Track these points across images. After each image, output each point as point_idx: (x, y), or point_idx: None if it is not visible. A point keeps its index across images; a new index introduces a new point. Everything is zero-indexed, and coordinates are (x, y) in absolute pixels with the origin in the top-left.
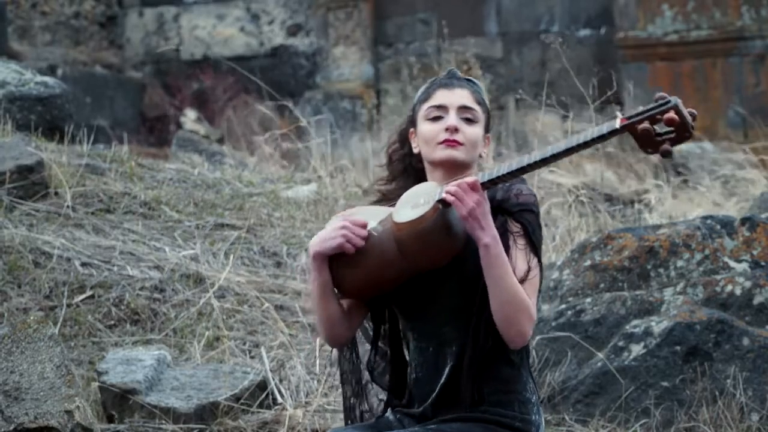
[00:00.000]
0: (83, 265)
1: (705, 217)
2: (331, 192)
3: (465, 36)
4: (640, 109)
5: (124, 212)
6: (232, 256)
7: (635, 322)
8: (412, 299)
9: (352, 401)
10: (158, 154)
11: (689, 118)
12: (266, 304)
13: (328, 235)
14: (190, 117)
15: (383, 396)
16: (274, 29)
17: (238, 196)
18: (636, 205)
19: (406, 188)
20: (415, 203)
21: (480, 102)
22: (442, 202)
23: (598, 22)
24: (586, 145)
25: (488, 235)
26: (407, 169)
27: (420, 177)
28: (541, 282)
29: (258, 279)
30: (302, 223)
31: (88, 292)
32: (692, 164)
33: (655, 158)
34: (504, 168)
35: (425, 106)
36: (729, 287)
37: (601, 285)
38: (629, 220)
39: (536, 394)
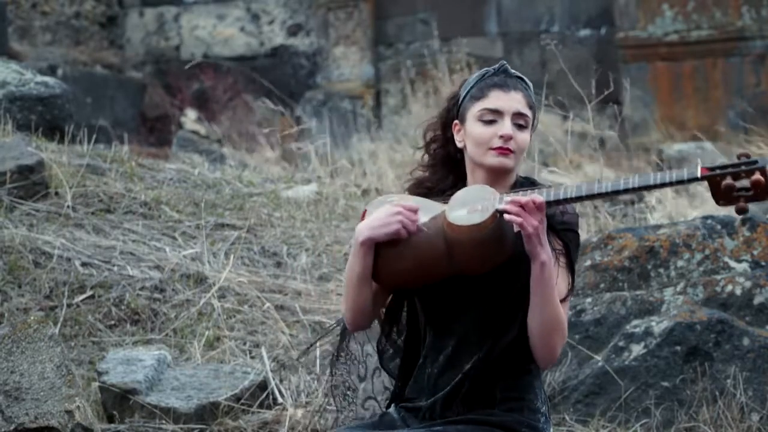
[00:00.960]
0: (83, 265)
1: (705, 217)
2: (331, 192)
3: (465, 36)
4: (723, 162)
5: (125, 212)
6: (232, 256)
7: (635, 322)
8: (441, 300)
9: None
10: (159, 154)
11: None
12: (267, 304)
13: (381, 221)
14: (190, 117)
15: (380, 397)
16: (274, 29)
17: (238, 196)
18: (636, 205)
19: (448, 180)
20: (472, 207)
21: (531, 105)
22: (501, 212)
23: (598, 22)
24: (662, 185)
25: (546, 253)
26: (445, 157)
27: (458, 168)
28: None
29: (258, 279)
30: (302, 223)
31: (89, 292)
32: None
33: (655, 158)
34: (571, 191)
35: (479, 105)
36: (729, 287)
37: (602, 285)
38: (630, 220)
39: (546, 404)
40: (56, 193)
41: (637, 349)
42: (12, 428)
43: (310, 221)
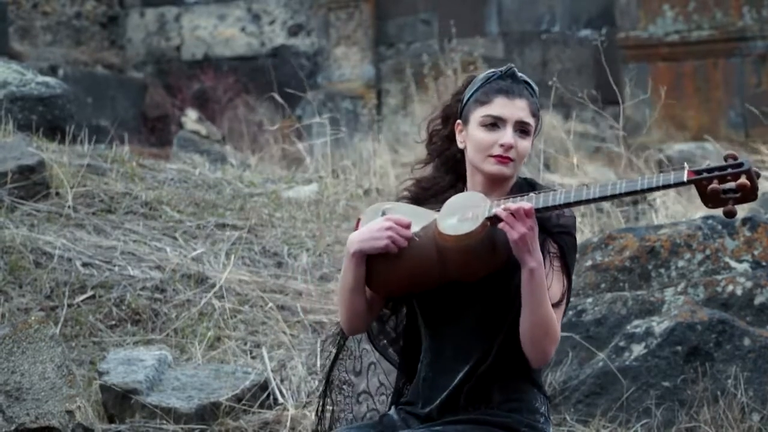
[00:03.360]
0: (84, 265)
1: (706, 217)
2: (332, 192)
3: (466, 36)
4: (710, 165)
5: (125, 212)
6: (233, 256)
7: (636, 322)
8: (438, 304)
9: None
10: (159, 155)
11: (757, 183)
12: (267, 305)
13: (372, 234)
14: (191, 117)
15: (375, 392)
16: (275, 29)
17: (239, 197)
18: (637, 206)
19: (445, 180)
20: (462, 215)
21: (535, 113)
22: (491, 220)
23: (599, 23)
24: (649, 190)
25: (535, 260)
26: (446, 154)
27: (458, 167)
28: (567, 304)
29: (259, 279)
30: (303, 223)
31: (89, 292)
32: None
33: (655, 157)
34: (560, 197)
35: (482, 110)
36: (730, 287)
37: (602, 285)
38: (631, 221)
39: (546, 405)
40: (57, 194)
41: (637, 349)
42: (13, 428)
43: (311, 221)
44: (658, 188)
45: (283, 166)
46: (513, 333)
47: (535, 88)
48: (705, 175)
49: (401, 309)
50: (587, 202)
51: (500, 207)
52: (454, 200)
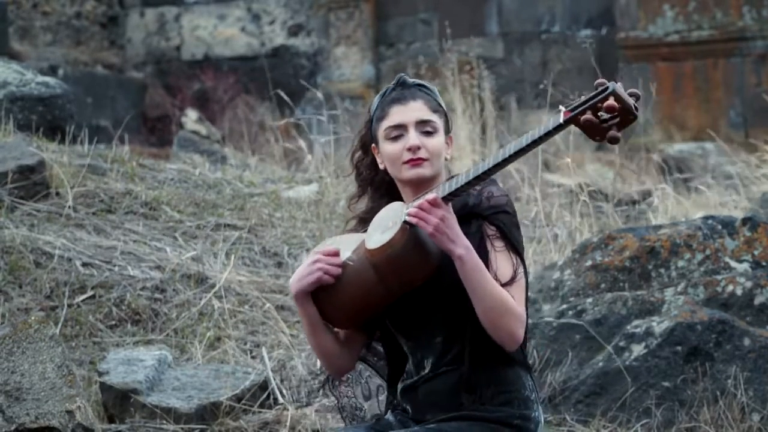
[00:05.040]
0: (84, 265)
1: (706, 217)
2: (332, 192)
3: (466, 36)
4: (581, 99)
5: (125, 212)
6: (233, 257)
7: (636, 322)
8: (402, 316)
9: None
10: (159, 155)
11: (630, 101)
12: (267, 305)
13: (303, 272)
14: (191, 117)
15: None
16: (275, 29)
17: (239, 197)
18: (638, 206)
19: (378, 204)
20: (384, 227)
21: (436, 109)
22: (409, 222)
23: (599, 23)
24: (534, 143)
25: (460, 246)
26: (375, 180)
27: (391, 189)
28: (527, 280)
29: (259, 279)
30: (303, 223)
31: (89, 293)
32: (694, 164)
33: (656, 158)
34: (462, 178)
35: (383, 125)
36: (730, 287)
37: (602, 285)
38: (631, 221)
39: (536, 391)
40: (57, 194)
41: (637, 349)
42: (13, 428)
43: (311, 221)
44: (541, 138)
45: (283, 166)
46: (479, 323)
47: (432, 88)
48: (579, 110)
49: (375, 335)
50: (486, 174)
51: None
52: (377, 218)
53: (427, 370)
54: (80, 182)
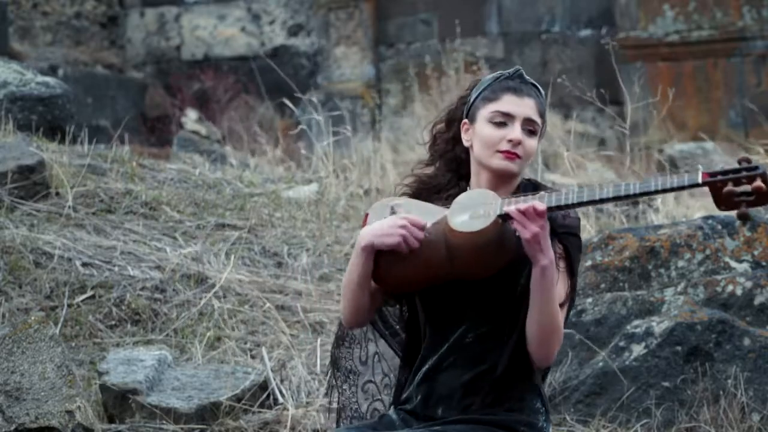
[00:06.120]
0: (84, 265)
1: (706, 217)
2: (332, 192)
3: (466, 36)
4: (724, 167)
5: (125, 212)
6: (233, 257)
7: (636, 322)
8: (442, 300)
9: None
10: (159, 155)
11: None
12: (267, 304)
13: (385, 230)
14: (191, 117)
15: (379, 381)
16: (275, 29)
17: (239, 197)
18: (638, 206)
19: (445, 178)
20: (473, 212)
21: (542, 113)
22: (502, 217)
23: (599, 22)
24: (663, 191)
25: (547, 258)
26: (449, 155)
27: (461, 168)
28: (571, 306)
29: (259, 279)
30: (303, 223)
31: (89, 293)
32: (694, 164)
33: (656, 158)
34: (572, 197)
35: (490, 107)
36: (730, 287)
37: (602, 285)
38: (631, 220)
39: (546, 405)
40: (57, 194)
41: (637, 349)
42: (12, 428)
43: (311, 221)
44: (672, 189)
45: (283, 166)
46: (518, 334)
47: (542, 90)
48: (720, 177)
49: (403, 302)
50: (600, 201)
51: (512, 205)
52: (465, 197)
53: (443, 366)
54: (80, 182)
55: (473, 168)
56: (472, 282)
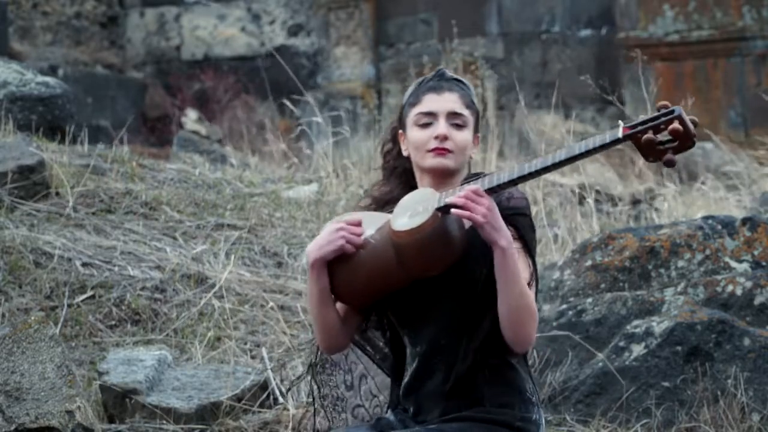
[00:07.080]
0: (84, 265)
1: (706, 217)
2: (332, 192)
3: (466, 36)
4: (643, 118)
5: (125, 212)
6: (233, 256)
7: (636, 322)
8: (408, 306)
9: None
10: (159, 155)
11: (692, 128)
12: (267, 304)
13: (326, 239)
14: (191, 117)
15: (368, 403)
16: (275, 29)
17: (239, 197)
18: (638, 206)
19: (397, 190)
20: (413, 211)
21: (469, 105)
22: (442, 210)
23: (599, 22)
24: (587, 153)
25: (504, 238)
26: (399, 169)
27: (410, 178)
28: (537, 284)
29: (259, 279)
30: (303, 223)
31: (89, 293)
32: (694, 164)
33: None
34: (504, 176)
35: (414, 110)
36: (730, 287)
37: (602, 285)
38: (631, 221)
39: (536, 394)
40: (57, 194)
41: (637, 350)
42: (12, 428)
43: (311, 221)
44: (596, 150)
45: (283, 166)
46: (490, 324)
47: (469, 84)
48: (639, 128)
49: (384, 322)
50: (531, 175)
51: (452, 196)
52: (406, 199)
53: (424, 366)
54: (80, 182)
55: (416, 174)
56: (434, 281)
